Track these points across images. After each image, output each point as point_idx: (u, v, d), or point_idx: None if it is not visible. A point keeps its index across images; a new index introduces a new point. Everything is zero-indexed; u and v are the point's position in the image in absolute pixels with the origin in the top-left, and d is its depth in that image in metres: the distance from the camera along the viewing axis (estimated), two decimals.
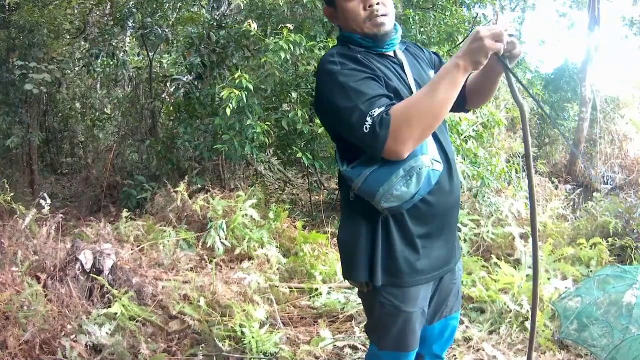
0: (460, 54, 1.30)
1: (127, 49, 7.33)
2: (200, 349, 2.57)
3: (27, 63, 5.45)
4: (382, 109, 1.30)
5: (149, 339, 2.59)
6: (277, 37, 4.42)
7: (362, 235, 1.49)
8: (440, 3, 6.08)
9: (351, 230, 1.53)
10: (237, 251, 3.88)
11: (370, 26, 1.46)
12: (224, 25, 5.53)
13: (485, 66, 1.32)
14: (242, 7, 5.37)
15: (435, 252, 1.54)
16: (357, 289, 1.69)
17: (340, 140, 1.50)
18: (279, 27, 4.56)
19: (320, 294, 3.30)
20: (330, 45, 4.71)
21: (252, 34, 4.61)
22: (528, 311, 2.82)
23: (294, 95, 5.11)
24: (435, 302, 1.64)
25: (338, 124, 1.41)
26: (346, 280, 1.69)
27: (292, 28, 4.44)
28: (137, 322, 2.65)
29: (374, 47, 1.50)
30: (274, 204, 5.00)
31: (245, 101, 4.25)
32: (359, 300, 3.12)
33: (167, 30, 6.04)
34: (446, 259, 1.59)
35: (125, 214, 4.21)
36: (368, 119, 1.30)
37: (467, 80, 1.39)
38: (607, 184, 9.33)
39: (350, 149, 1.45)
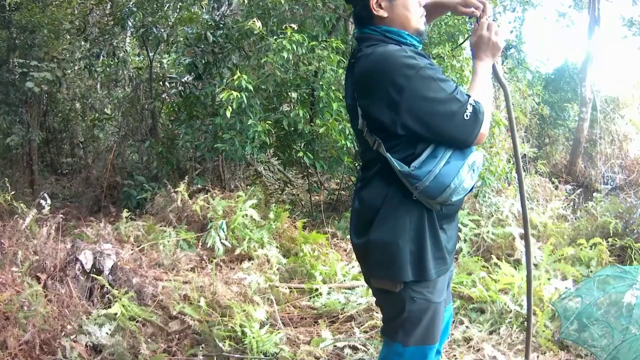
0: (488, 58, 1.57)
1: (127, 48, 7.32)
2: (200, 349, 2.57)
3: (27, 61, 5.44)
4: (471, 97, 1.43)
5: (149, 339, 2.59)
6: (280, 36, 4.41)
7: (409, 233, 1.49)
8: None
9: (396, 229, 1.50)
10: (237, 251, 3.88)
11: (422, 23, 1.57)
12: (221, 25, 5.53)
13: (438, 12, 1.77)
14: (242, 5, 5.36)
15: (453, 235, 1.65)
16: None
17: (399, 139, 1.46)
18: (283, 27, 4.54)
19: (320, 294, 3.29)
20: (334, 44, 4.71)
21: (255, 32, 4.60)
22: None
23: (294, 95, 5.10)
24: None
25: (433, 114, 1.40)
26: (374, 282, 1.63)
27: (295, 28, 4.43)
28: (137, 322, 2.65)
29: (418, 44, 1.57)
30: (274, 204, 5.00)
31: (246, 102, 4.25)
32: (359, 301, 3.12)
33: (166, 30, 6.03)
34: (455, 242, 1.70)
35: (125, 214, 4.21)
36: (469, 106, 1.40)
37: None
38: (607, 184, 9.32)
39: (404, 148, 1.46)
